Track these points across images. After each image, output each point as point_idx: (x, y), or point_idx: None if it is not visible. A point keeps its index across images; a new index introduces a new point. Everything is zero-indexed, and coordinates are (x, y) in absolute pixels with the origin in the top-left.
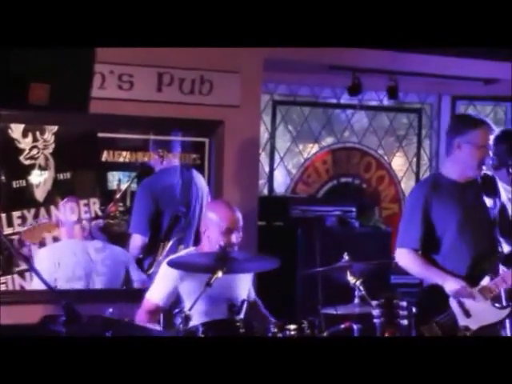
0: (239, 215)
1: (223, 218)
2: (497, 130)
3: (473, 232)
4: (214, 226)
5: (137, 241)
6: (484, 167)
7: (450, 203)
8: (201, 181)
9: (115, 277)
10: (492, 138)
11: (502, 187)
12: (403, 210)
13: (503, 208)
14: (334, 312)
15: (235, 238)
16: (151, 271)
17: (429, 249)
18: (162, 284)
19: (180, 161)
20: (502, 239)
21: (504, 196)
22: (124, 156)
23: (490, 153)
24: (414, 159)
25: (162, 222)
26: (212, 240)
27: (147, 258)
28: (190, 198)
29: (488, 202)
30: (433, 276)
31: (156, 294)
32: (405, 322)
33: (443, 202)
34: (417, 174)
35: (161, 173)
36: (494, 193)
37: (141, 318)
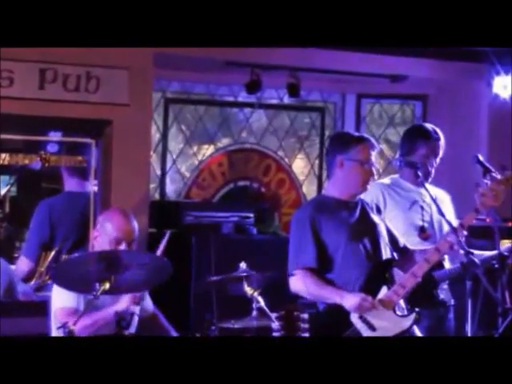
0: (134, 227)
1: (115, 227)
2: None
3: (363, 246)
4: (105, 234)
5: (24, 265)
6: (368, 186)
7: (336, 221)
8: None
9: None
10: (374, 154)
11: (406, 187)
12: (291, 235)
13: (388, 229)
14: (231, 326)
15: (124, 248)
16: (33, 282)
17: (323, 269)
18: (63, 302)
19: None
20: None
21: (391, 217)
22: (3, 158)
23: (374, 170)
24: (317, 161)
25: (53, 244)
26: (100, 248)
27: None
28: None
29: (374, 217)
30: (329, 294)
31: (67, 300)
32: (306, 335)
33: (330, 220)
34: (319, 177)
35: (65, 197)
36: (379, 213)
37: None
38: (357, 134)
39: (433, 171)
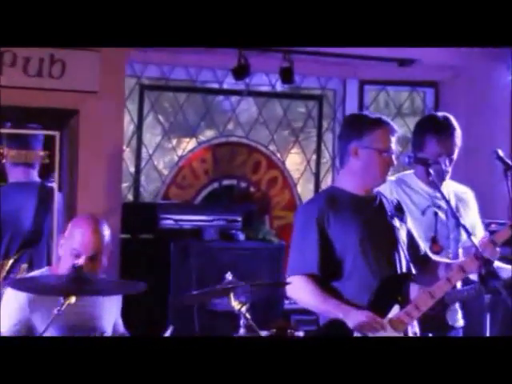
0: (100, 239)
1: (75, 239)
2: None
3: (377, 253)
4: (67, 244)
5: None
6: (387, 177)
7: (347, 220)
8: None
9: None
10: (394, 140)
11: (418, 187)
12: (294, 231)
13: (409, 232)
14: None
15: (82, 263)
16: None
17: (328, 275)
18: (8, 314)
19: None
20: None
21: (409, 220)
22: None
23: (394, 158)
24: (314, 157)
25: (3, 244)
26: (63, 260)
27: None
28: (43, 223)
29: (393, 220)
30: (332, 309)
31: (4, 327)
32: None
33: (340, 218)
34: (316, 175)
35: (11, 188)
36: (401, 213)
37: None
38: (374, 115)
39: (449, 170)
